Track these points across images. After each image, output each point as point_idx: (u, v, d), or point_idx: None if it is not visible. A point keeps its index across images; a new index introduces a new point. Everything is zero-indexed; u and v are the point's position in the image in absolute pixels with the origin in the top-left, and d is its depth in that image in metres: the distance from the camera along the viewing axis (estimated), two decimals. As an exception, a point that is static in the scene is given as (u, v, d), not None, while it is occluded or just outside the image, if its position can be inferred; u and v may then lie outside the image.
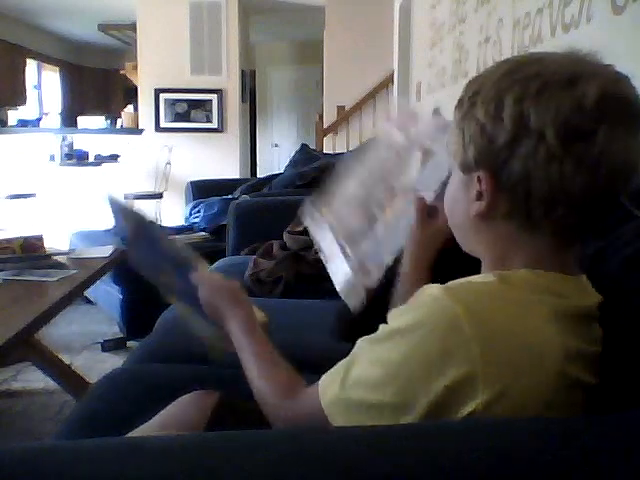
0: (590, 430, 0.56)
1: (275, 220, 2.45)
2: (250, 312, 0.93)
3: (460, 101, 0.72)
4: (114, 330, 3.10)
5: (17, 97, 7.87)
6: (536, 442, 0.54)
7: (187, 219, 4.03)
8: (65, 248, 2.57)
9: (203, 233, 3.65)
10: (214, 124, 6.10)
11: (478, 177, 0.69)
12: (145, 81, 6.18)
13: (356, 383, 0.68)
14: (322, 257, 1.06)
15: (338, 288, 1.00)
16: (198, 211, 3.90)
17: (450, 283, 0.69)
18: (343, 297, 1.00)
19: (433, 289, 0.67)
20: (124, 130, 6.80)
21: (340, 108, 5.84)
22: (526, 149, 0.65)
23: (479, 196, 0.70)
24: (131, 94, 7.49)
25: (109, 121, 7.78)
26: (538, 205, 0.66)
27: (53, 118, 8.72)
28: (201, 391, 0.95)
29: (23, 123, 6.83)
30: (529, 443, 0.54)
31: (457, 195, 0.76)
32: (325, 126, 5.83)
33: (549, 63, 0.68)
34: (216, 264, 2.44)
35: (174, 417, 0.90)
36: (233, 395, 0.95)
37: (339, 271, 1.00)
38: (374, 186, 1.05)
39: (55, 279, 1.92)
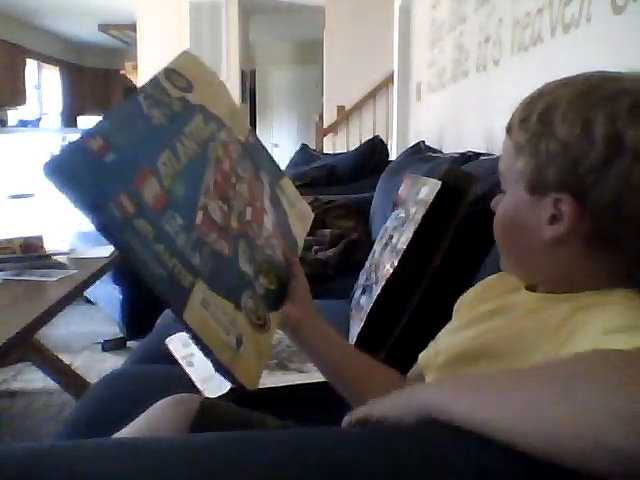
0: None
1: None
2: None
3: (524, 121, 0.68)
4: (114, 330, 3.10)
5: (17, 97, 7.87)
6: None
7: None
8: (65, 248, 2.57)
9: (203, 233, 3.65)
10: (214, 124, 6.10)
11: (556, 199, 0.65)
12: (145, 81, 6.19)
13: None
14: (187, 366, 1.20)
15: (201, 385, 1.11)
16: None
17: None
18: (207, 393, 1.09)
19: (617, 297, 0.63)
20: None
21: (340, 108, 5.84)
22: (619, 170, 0.61)
23: (553, 219, 0.66)
24: (131, 94, 7.49)
25: (109, 121, 7.77)
26: (628, 227, 0.63)
27: (53, 118, 8.72)
28: (184, 394, 0.96)
29: (23, 123, 6.84)
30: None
31: (522, 219, 0.70)
32: (325, 126, 5.84)
33: (627, 80, 0.65)
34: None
35: (157, 419, 0.90)
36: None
37: (211, 381, 1.10)
38: None
39: (55, 279, 1.92)
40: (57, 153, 0.58)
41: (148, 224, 0.61)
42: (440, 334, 0.88)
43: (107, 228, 0.57)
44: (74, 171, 0.58)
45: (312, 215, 1.00)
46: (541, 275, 0.72)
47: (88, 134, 0.61)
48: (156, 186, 0.65)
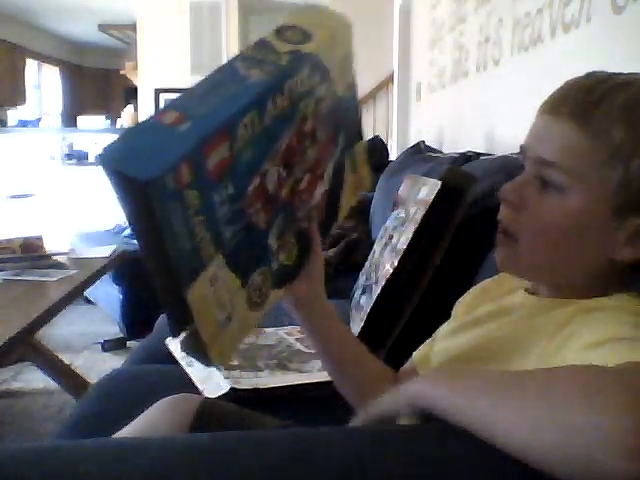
0: None
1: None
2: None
3: (604, 132, 0.61)
4: (114, 330, 3.10)
5: (17, 97, 7.87)
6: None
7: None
8: (65, 248, 2.57)
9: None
10: (214, 124, 6.10)
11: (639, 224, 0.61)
12: (145, 81, 6.18)
13: None
14: (187, 366, 1.20)
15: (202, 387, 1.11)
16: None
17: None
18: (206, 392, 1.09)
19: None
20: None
21: (340, 108, 5.84)
22: None
23: (629, 241, 0.62)
24: (131, 94, 7.50)
25: (109, 121, 7.78)
26: None
27: (53, 118, 8.72)
28: (184, 393, 0.96)
29: (23, 123, 6.84)
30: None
31: (587, 231, 0.64)
32: (325, 126, 5.83)
33: None
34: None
35: (157, 419, 0.90)
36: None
37: (211, 380, 1.11)
38: None
39: (55, 279, 1.92)
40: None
41: (198, 195, 0.57)
42: (436, 334, 0.88)
43: (150, 207, 0.52)
44: (135, 151, 0.54)
45: (368, 185, 0.96)
46: (566, 280, 0.68)
47: (163, 109, 0.58)
48: (225, 151, 0.60)
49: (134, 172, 0.51)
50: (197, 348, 0.61)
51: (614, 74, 0.65)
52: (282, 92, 0.67)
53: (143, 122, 0.57)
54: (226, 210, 0.61)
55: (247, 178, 0.63)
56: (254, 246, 0.67)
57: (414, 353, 0.91)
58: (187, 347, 0.62)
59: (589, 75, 0.66)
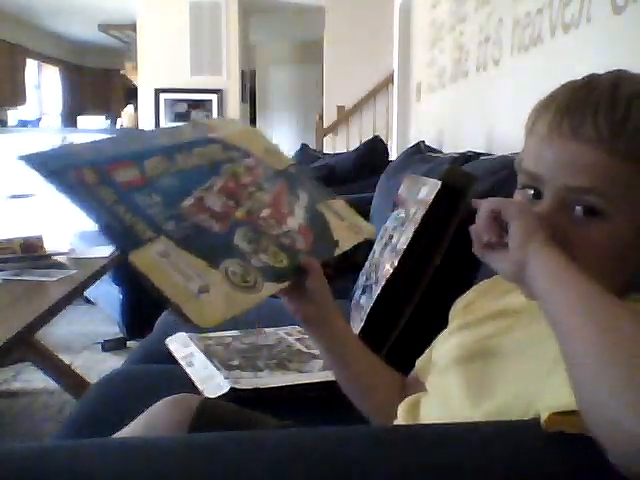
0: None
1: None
2: None
3: (634, 150, 0.60)
4: (114, 330, 3.10)
5: (17, 97, 7.87)
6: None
7: (187, 219, 4.03)
8: (65, 248, 2.57)
9: (203, 233, 3.65)
10: (214, 124, 6.10)
11: None
12: (145, 81, 6.18)
13: None
14: (187, 366, 1.22)
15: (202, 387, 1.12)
16: (198, 211, 3.90)
17: None
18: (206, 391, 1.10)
19: None
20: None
21: (340, 108, 5.84)
22: None
23: None
24: (131, 94, 7.49)
25: (109, 121, 7.78)
26: None
27: (53, 118, 8.71)
28: (183, 393, 0.96)
29: (23, 123, 6.84)
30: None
31: (632, 250, 0.63)
32: (325, 126, 5.83)
33: None
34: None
35: (156, 419, 0.90)
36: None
37: (211, 380, 1.13)
38: None
39: (55, 279, 1.92)
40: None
41: (111, 192, 0.69)
42: (435, 341, 0.88)
43: (62, 188, 0.66)
44: (44, 155, 0.70)
45: (372, 231, 1.01)
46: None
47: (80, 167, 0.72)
48: (135, 172, 0.74)
49: (43, 169, 0.68)
50: (174, 309, 0.67)
51: (618, 75, 0.63)
52: (192, 153, 0.82)
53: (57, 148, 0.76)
54: (160, 210, 0.72)
55: (176, 197, 0.76)
56: (213, 241, 0.75)
57: (417, 361, 0.91)
58: (172, 309, 0.68)
59: (594, 83, 0.63)
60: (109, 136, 0.81)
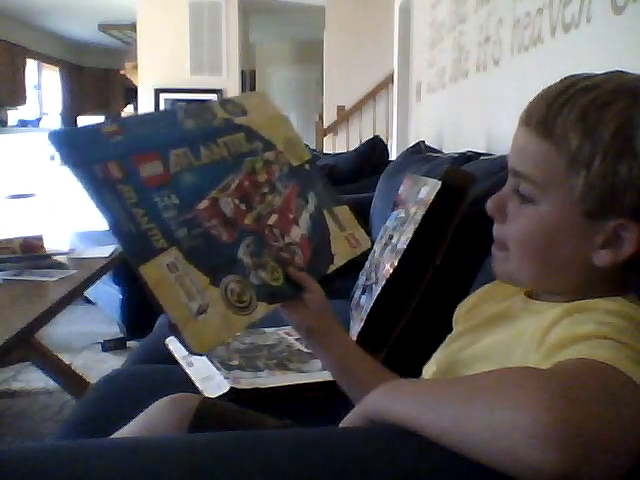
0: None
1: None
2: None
3: (563, 140, 0.61)
4: (114, 330, 3.10)
5: (17, 97, 7.87)
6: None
7: (187, 219, 4.03)
8: (65, 248, 2.57)
9: (203, 233, 3.65)
10: (214, 124, 6.10)
11: (620, 224, 0.60)
12: (145, 81, 6.18)
13: None
14: (187, 366, 1.21)
15: (202, 387, 1.11)
16: (198, 211, 3.90)
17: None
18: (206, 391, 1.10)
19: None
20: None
21: (340, 108, 5.85)
22: None
23: (607, 243, 0.62)
24: (131, 94, 7.50)
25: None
26: None
27: (53, 118, 8.72)
28: (182, 393, 0.96)
29: (23, 123, 6.85)
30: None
31: (563, 238, 0.64)
32: (325, 126, 5.84)
33: None
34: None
35: (156, 419, 0.90)
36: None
37: (211, 380, 1.13)
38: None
39: (55, 279, 1.92)
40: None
41: (133, 191, 0.69)
42: (441, 346, 0.87)
43: (83, 184, 0.65)
44: (73, 137, 0.68)
45: (368, 244, 1.03)
46: (559, 288, 0.68)
47: (109, 121, 0.71)
48: (159, 167, 0.73)
49: (69, 158, 0.65)
50: (174, 330, 0.68)
51: (587, 76, 0.64)
52: (216, 144, 0.81)
53: (87, 126, 0.72)
54: (173, 214, 0.72)
55: (195, 197, 0.76)
56: (220, 254, 0.76)
57: (424, 367, 0.91)
58: (170, 328, 0.69)
59: (561, 81, 0.65)
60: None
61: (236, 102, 0.90)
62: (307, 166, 0.97)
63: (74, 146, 0.67)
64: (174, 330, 0.67)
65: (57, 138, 0.66)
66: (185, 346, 0.68)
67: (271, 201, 0.86)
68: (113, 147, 0.70)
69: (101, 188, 0.67)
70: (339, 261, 0.96)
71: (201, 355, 0.73)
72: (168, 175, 0.74)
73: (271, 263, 0.82)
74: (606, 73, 0.65)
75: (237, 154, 0.84)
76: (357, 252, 1.00)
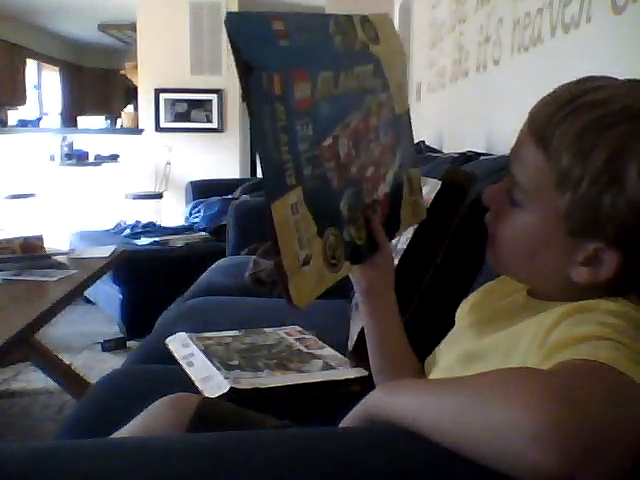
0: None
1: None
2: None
3: (556, 157, 0.61)
4: (114, 330, 3.10)
5: (17, 97, 7.87)
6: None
7: (187, 219, 4.04)
8: (65, 248, 2.57)
9: (203, 233, 3.66)
10: (214, 124, 6.09)
11: (600, 249, 0.60)
12: (145, 81, 6.18)
13: None
14: (187, 366, 1.21)
15: (202, 387, 1.11)
16: (198, 211, 3.91)
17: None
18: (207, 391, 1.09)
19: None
20: (124, 130, 6.80)
21: (340, 108, 5.84)
22: None
23: (588, 261, 0.62)
24: (131, 94, 7.49)
25: (109, 121, 7.78)
26: None
27: (53, 118, 8.72)
28: (182, 393, 0.96)
29: (23, 123, 6.83)
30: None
31: (545, 249, 0.65)
32: (325, 126, 5.83)
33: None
34: (216, 264, 2.44)
35: (155, 418, 0.89)
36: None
37: (211, 380, 1.12)
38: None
39: (55, 279, 1.92)
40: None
41: (284, 113, 0.63)
42: (443, 342, 0.87)
43: (250, 91, 0.59)
44: (250, 30, 0.61)
45: (424, 215, 0.99)
46: (542, 288, 0.70)
47: (275, 14, 0.64)
48: (307, 91, 0.67)
49: (242, 53, 0.59)
50: (281, 278, 0.63)
51: (600, 86, 0.62)
52: (353, 73, 0.75)
53: (261, 14, 0.64)
54: (306, 147, 0.66)
55: (324, 131, 0.70)
56: (328, 201, 0.71)
57: (426, 360, 0.91)
58: (278, 275, 0.64)
59: (575, 85, 0.64)
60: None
61: (372, 23, 0.83)
62: (405, 117, 0.91)
63: (249, 37, 0.61)
64: (281, 279, 0.62)
65: (234, 22, 0.59)
66: (287, 298, 0.63)
67: (373, 149, 0.80)
68: (281, 53, 0.63)
69: (263, 103, 0.60)
70: (403, 228, 0.91)
71: (298, 309, 0.69)
72: (312, 101, 0.67)
73: (360, 220, 0.77)
74: (622, 83, 0.63)
75: (362, 88, 0.78)
76: (415, 222, 0.96)
